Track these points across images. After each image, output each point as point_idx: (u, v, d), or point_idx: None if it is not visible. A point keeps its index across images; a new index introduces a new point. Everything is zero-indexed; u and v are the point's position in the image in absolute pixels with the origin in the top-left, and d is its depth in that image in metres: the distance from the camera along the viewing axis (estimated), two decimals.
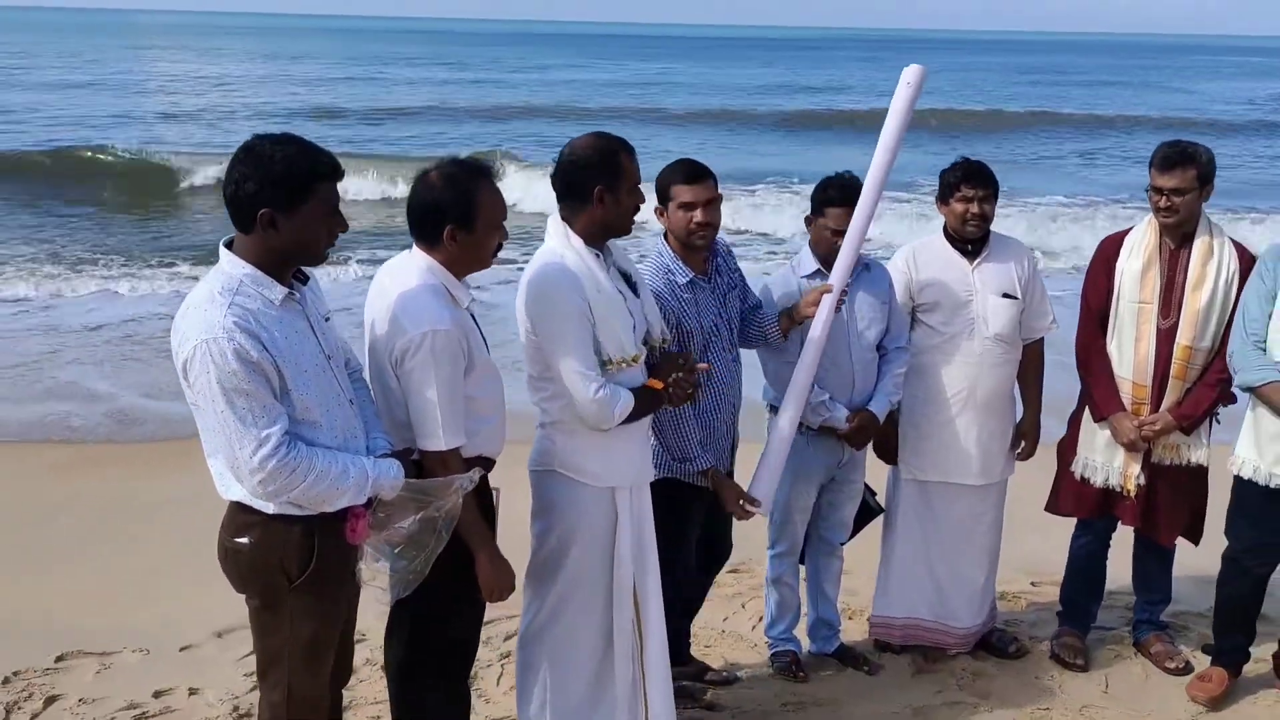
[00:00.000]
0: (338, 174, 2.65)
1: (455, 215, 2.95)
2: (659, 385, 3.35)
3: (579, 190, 3.25)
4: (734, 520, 4.06)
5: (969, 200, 4.18)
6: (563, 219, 3.30)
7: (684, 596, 4.14)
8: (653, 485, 3.79)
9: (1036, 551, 5.32)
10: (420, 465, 2.97)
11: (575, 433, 3.32)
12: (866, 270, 4.16)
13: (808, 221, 4.15)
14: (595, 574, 3.41)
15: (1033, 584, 5.27)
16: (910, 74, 3.83)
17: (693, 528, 3.90)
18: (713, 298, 3.80)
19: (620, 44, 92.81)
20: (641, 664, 3.52)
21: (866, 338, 4.14)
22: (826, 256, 4.05)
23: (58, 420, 7.57)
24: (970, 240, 4.24)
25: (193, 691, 4.18)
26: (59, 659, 4.42)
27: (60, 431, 7.39)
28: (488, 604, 3.20)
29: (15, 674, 4.28)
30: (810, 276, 4.10)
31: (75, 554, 5.46)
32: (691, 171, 3.71)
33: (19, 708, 4.06)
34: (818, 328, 3.85)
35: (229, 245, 2.65)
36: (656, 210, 3.75)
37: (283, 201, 2.55)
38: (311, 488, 2.59)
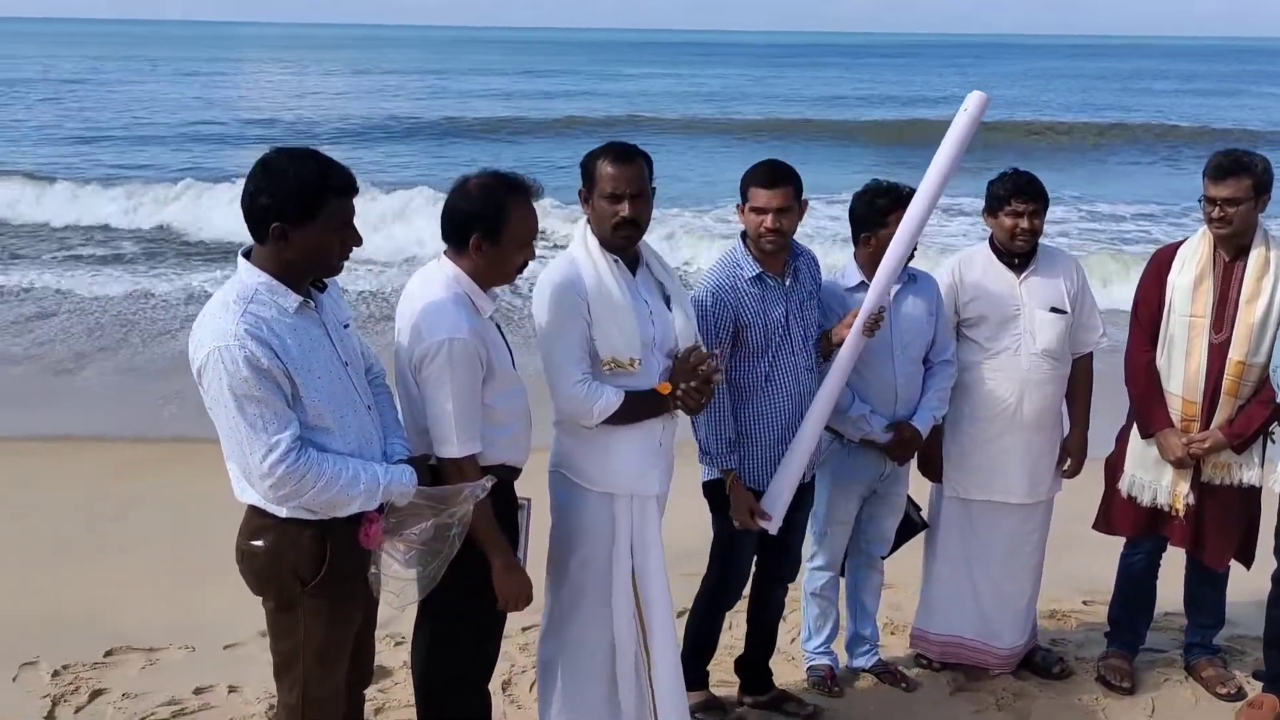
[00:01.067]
0: (351, 189, 2.68)
1: (483, 226, 3.00)
2: (667, 389, 3.34)
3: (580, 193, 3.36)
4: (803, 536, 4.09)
5: (1019, 215, 4.09)
6: (587, 221, 3.36)
7: (759, 630, 4.16)
8: (705, 486, 3.82)
9: (1090, 568, 5.17)
10: (437, 471, 3.00)
11: (575, 433, 3.34)
12: (913, 280, 4.09)
13: (864, 240, 4.01)
14: (599, 579, 3.41)
15: (1085, 602, 5.15)
16: (971, 101, 3.68)
17: (745, 533, 3.84)
18: (784, 298, 3.76)
19: (699, 50, 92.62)
20: (650, 679, 3.50)
21: (911, 350, 4.07)
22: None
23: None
24: (1018, 254, 4.16)
25: (232, 689, 4.27)
26: (108, 654, 4.54)
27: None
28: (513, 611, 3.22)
29: (65, 667, 4.41)
30: (854, 289, 4.03)
31: (136, 550, 5.58)
32: (770, 175, 3.69)
33: (65, 700, 4.18)
34: (844, 356, 3.76)
35: (247, 255, 2.71)
36: (737, 207, 3.77)
37: (294, 215, 2.60)
38: (321, 493, 2.63)
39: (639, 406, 3.32)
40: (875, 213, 3.97)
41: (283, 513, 2.70)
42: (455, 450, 2.98)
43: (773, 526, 3.78)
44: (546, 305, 3.26)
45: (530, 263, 3.14)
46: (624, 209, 3.26)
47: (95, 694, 4.23)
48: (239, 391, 2.55)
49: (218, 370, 2.55)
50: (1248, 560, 4.27)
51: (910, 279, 4.08)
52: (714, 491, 3.83)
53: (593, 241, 3.30)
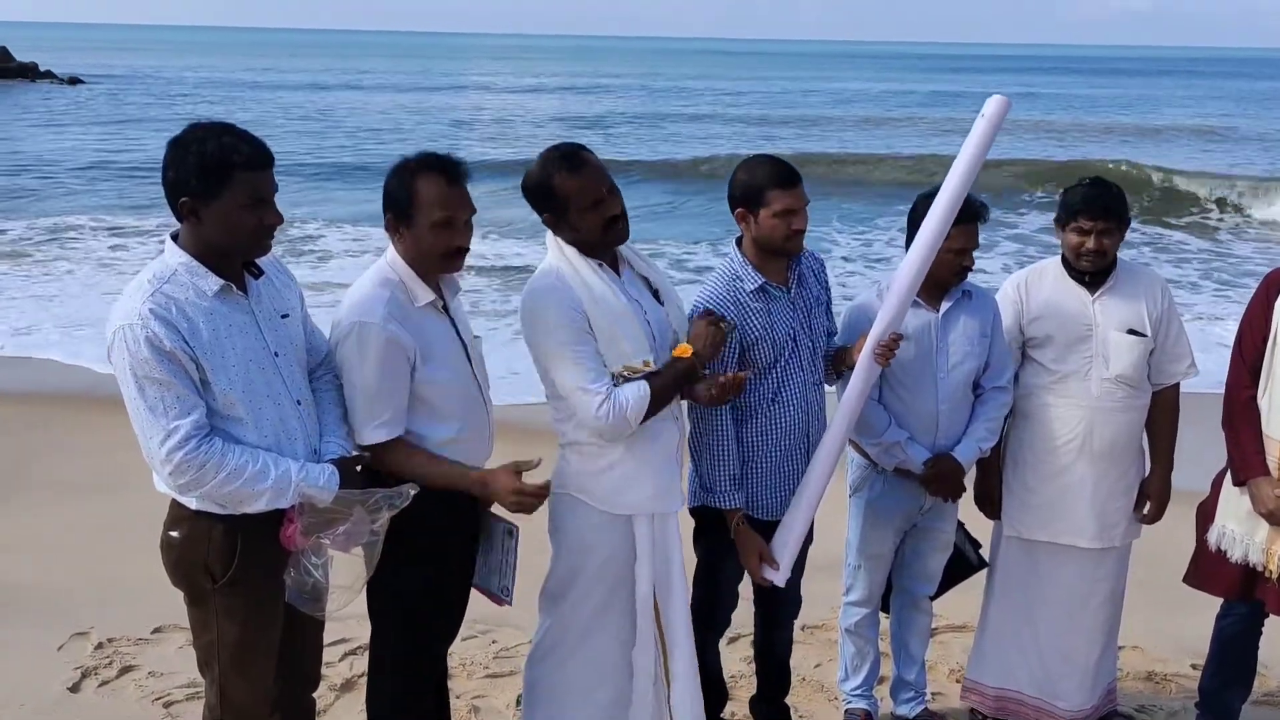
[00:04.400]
0: (262, 164, 2.58)
1: (394, 207, 2.88)
2: (687, 351, 3.10)
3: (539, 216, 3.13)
4: (803, 575, 3.68)
5: (1084, 233, 3.65)
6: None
7: (768, 670, 3.85)
8: (695, 511, 3.55)
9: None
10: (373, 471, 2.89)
11: (589, 455, 3.13)
12: (967, 297, 3.70)
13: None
14: (603, 601, 3.22)
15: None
16: (990, 105, 3.28)
17: (735, 560, 3.52)
18: (790, 308, 3.44)
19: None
20: (669, 704, 3.29)
21: (958, 374, 3.67)
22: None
23: None
24: (1084, 272, 3.71)
25: None
26: (155, 630, 4.62)
27: None
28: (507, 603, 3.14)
29: (110, 640, 4.52)
30: None
31: None
32: (788, 175, 3.35)
33: (95, 674, 4.27)
34: (853, 388, 3.40)
35: (175, 237, 2.65)
36: (738, 214, 3.41)
37: (199, 190, 2.53)
38: (224, 485, 2.53)
39: (666, 388, 3.08)
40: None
41: (192, 504, 2.62)
42: (361, 436, 2.86)
43: (780, 578, 3.45)
44: (543, 329, 3.03)
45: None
46: (613, 207, 3.08)
47: (125, 670, 4.31)
48: (140, 373, 2.49)
49: (121, 350, 2.51)
50: None
51: (964, 295, 3.69)
52: (704, 516, 3.53)
53: (570, 250, 3.08)
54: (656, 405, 3.05)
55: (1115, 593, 3.92)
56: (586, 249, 3.09)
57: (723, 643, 3.87)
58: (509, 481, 2.91)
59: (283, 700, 2.91)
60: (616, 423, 3.00)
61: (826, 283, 3.62)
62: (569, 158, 3.05)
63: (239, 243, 2.61)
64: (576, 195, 3.02)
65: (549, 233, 3.13)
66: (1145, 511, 3.86)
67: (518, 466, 2.94)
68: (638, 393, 3.01)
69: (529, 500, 2.92)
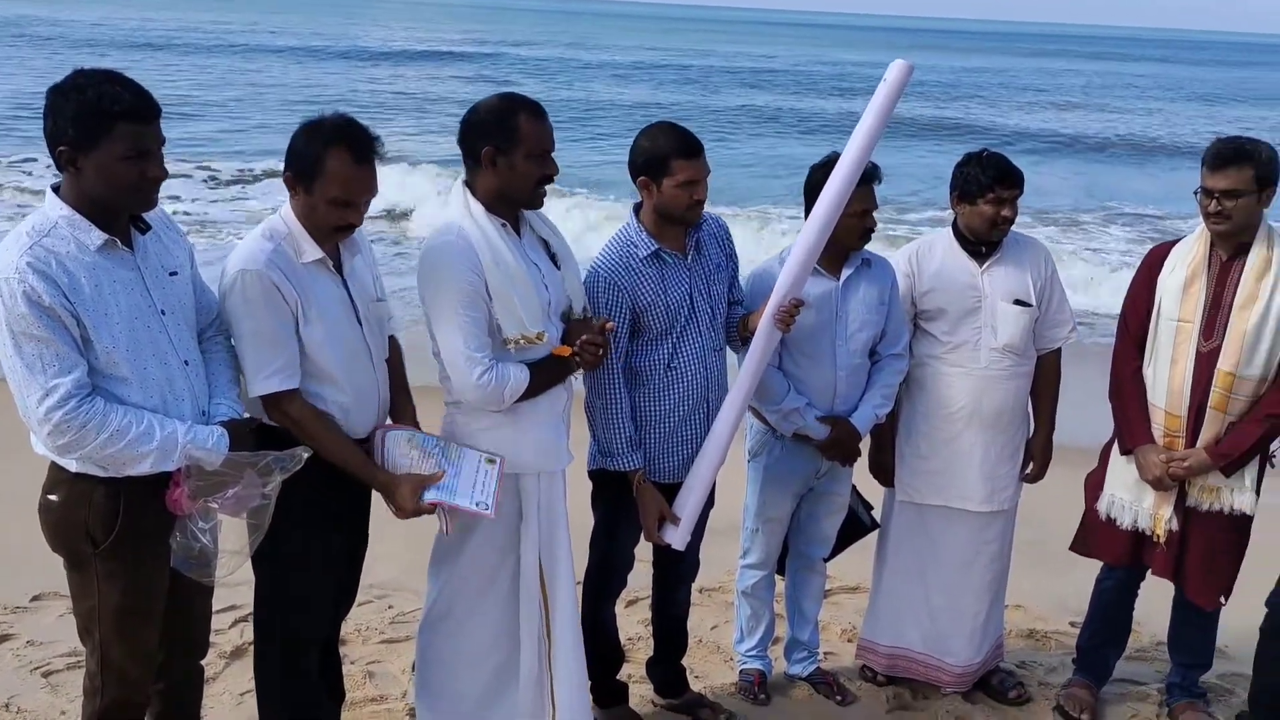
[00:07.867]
0: (144, 115, 2.47)
1: (297, 166, 2.81)
2: (566, 352, 3.10)
3: (472, 152, 3.03)
4: (702, 538, 3.71)
5: (1002, 202, 3.72)
6: (466, 184, 3.08)
7: (665, 631, 3.88)
8: (593, 474, 3.55)
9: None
10: (270, 432, 2.83)
11: (474, 412, 3.10)
12: (866, 265, 3.75)
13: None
14: (493, 564, 3.21)
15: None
16: (892, 70, 3.32)
17: (632, 523, 3.56)
18: (686, 275, 3.43)
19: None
20: (549, 662, 3.28)
21: (857, 341, 3.72)
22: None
23: None
24: (986, 242, 3.78)
25: None
26: (34, 598, 4.47)
27: None
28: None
29: None
30: None
31: None
32: (692, 145, 3.34)
33: None
34: (754, 352, 3.42)
35: (57, 189, 2.53)
36: (641, 182, 3.39)
37: (77, 140, 2.42)
38: (105, 446, 2.44)
39: (545, 377, 3.10)
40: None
41: (72, 466, 2.52)
42: (254, 388, 2.79)
43: (679, 540, 3.47)
44: (439, 286, 2.99)
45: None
46: (552, 168, 3.06)
47: (2, 639, 4.16)
48: (16, 329, 2.39)
49: None
50: (1226, 595, 3.81)
51: (864, 263, 3.73)
52: (601, 479, 3.54)
53: (477, 207, 3.03)
54: (527, 393, 3.07)
55: (1002, 552, 4.04)
56: (499, 204, 3.05)
57: (620, 605, 3.90)
58: (410, 501, 2.92)
59: (169, 668, 2.85)
60: (492, 395, 3.01)
61: (731, 250, 3.63)
62: (534, 105, 3.05)
63: (119, 196, 2.50)
64: (531, 139, 3.00)
65: (457, 185, 3.09)
66: (1029, 471, 3.98)
67: (423, 483, 2.93)
68: (520, 375, 3.03)
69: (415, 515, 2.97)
